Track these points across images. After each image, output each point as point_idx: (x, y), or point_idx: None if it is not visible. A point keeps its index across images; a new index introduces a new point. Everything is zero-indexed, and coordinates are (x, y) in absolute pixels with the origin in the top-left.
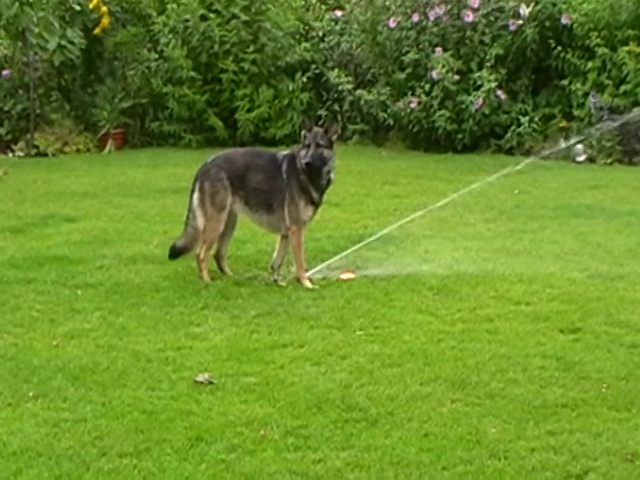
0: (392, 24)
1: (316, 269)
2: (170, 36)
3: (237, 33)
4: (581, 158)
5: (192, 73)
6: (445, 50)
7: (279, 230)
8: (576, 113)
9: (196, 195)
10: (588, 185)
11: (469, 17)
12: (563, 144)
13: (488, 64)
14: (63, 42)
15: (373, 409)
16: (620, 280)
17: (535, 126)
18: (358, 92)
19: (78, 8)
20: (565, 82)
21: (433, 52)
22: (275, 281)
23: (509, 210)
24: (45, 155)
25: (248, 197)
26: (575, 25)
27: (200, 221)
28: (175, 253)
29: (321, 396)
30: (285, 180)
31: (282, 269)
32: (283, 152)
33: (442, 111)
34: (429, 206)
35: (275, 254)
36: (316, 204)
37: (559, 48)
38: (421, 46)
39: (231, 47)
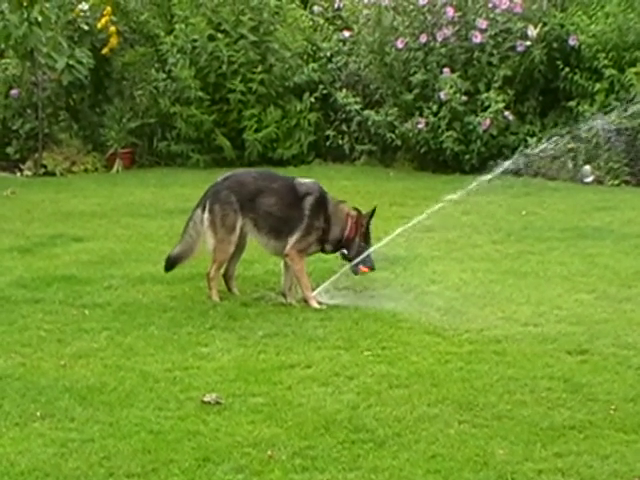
0: (400, 45)
1: (321, 287)
2: (178, 56)
3: (245, 53)
4: (589, 179)
5: (200, 93)
6: (453, 71)
7: (281, 254)
8: (584, 135)
9: (206, 216)
10: (596, 207)
11: (477, 38)
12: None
13: (496, 85)
14: (71, 62)
15: (380, 430)
16: (628, 302)
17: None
18: (366, 112)
19: (86, 28)
20: (573, 103)
21: (441, 73)
22: (290, 304)
23: (517, 231)
24: (53, 175)
25: (258, 220)
26: (583, 46)
27: (210, 242)
28: (170, 263)
29: (328, 417)
30: (307, 216)
31: (292, 291)
32: (304, 181)
33: (450, 132)
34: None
35: (283, 280)
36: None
37: (567, 69)
38: (429, 67)
39: (239, 67)
